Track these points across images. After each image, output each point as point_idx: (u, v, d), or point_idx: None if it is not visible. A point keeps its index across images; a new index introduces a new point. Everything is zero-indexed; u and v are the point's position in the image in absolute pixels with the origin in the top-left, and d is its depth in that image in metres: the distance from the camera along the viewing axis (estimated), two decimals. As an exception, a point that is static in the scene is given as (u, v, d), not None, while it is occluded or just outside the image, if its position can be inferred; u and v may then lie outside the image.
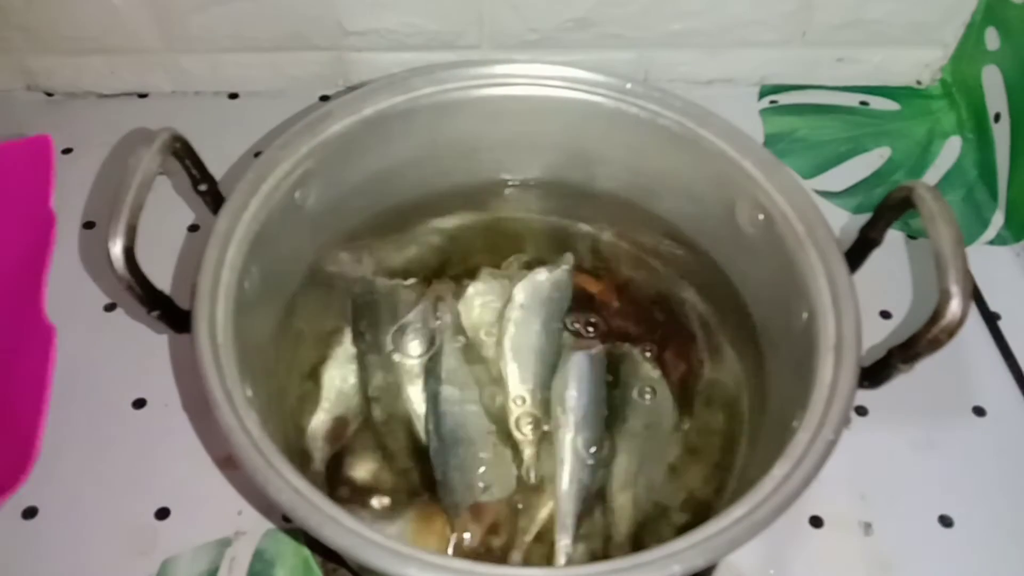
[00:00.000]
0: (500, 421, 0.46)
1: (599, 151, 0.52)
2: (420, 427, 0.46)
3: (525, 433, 0.46)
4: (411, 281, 0.52)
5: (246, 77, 0.68)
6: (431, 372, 0.47)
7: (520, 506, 0.44)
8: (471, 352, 0.49)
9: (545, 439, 0.46)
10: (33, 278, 0.52)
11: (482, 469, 0.44)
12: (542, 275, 0.51)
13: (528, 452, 0.45)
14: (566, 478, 0.44)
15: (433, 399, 0.46)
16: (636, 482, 0.45)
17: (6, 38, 0.65)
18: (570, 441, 0.45)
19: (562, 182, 0.55)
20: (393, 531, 0.43)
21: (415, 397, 0.47)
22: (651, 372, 0.49)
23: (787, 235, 0.43)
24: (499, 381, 0.48)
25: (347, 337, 0.49)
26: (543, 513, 0.44)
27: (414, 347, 0.48)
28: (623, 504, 0.44)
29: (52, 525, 0.47)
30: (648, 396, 0.48)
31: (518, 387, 0.47)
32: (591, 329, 0.50)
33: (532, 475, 0.45)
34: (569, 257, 0.52)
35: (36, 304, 0.51)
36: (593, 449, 0.45)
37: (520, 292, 0.50)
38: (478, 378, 0.48)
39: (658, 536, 0.44)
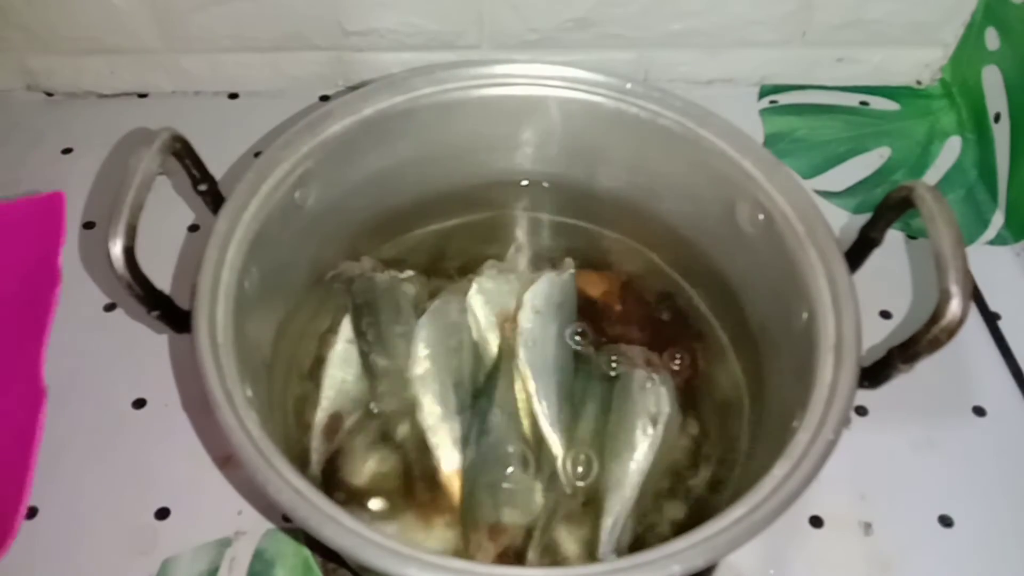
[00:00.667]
0: (534, 440, 0.46)
1: (599, 151, 0.52)
2: (431, 436, 0.46)
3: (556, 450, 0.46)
4: (409, 274, 0.52)
5: (246, 77, 0.68)
6: (484, 392, 0.47)
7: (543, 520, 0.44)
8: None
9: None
10: (35, 335, 0.51)
11: (511, 490, 0.44)
12: (552, 278, 0.50)
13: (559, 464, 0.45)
14: (616, 515, 0.44)
15: (482, 418, 0.46)
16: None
17: (6, 38, 0.65)
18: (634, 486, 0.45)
19: (562, 182, 0.55)
20: (392, 531, 0.43)
21: (425, 402, 0.47)
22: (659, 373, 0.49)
23: (787, 235, 0.43)
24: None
25: (345, 336, 0.49)
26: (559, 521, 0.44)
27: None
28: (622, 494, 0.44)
29: (52, 525, 0.47)
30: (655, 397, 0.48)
31: (540, 400, 0.47)
32: (578, 337, 0.50)
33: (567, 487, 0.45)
34: (570, 262, 0.52)
35: (34, 363, 0.50)
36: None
37: (534, 296, 0.50)
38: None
39: (658, 536, 0.44)
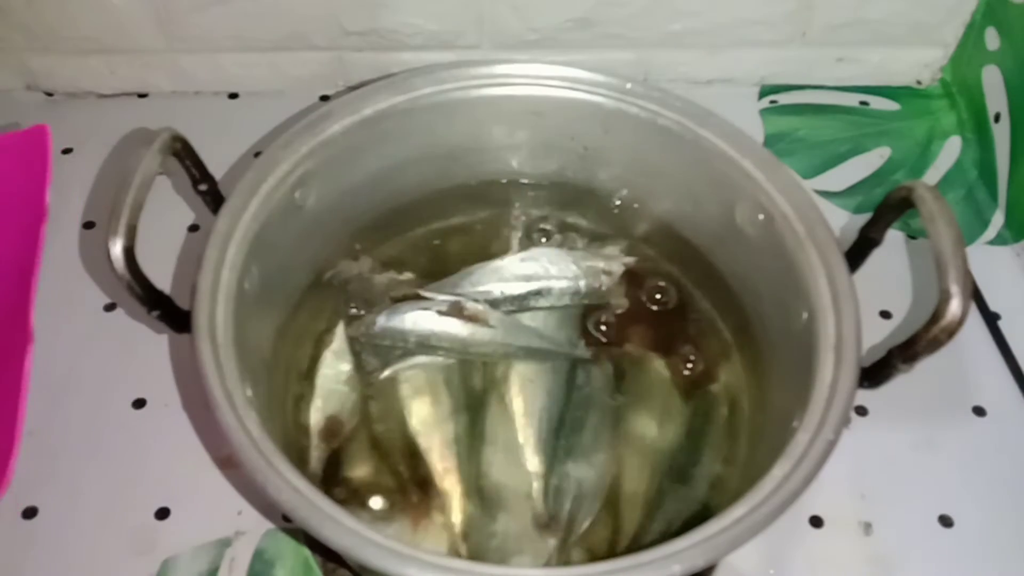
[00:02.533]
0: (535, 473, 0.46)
1: (599, 151, 0.52)
2: (422, 441, 0.46)
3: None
4: (408, 276, 0.52)
5: (246, 77, 0.68)
6: (474, 427, 0.46)
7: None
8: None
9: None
10: (23, 276, 0.50)
11: (518, 536, 0.43)
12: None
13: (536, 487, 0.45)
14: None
15: (477, 457, 0.45)
16: (641, 484, 0.45)
17: (6, 38, 0.65)
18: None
19: (562, 182, 0.55)
20: (391, 531, 0.43)
21: (418, 404, 0.47)
22: (662, 376, 0.49)
23: (787, 235, 0.43)
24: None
25: (342, 336, 0.49)
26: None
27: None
28: (627, 506, 0.44)
29: (52, 525, 0.47)
30: (657, 399, 0.48)
31: (526, 423, 0.47)
32: (603, 328, 0.50)
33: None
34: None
35: (24, 306, 0.50)
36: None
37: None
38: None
39: (658, 536, 0.44)
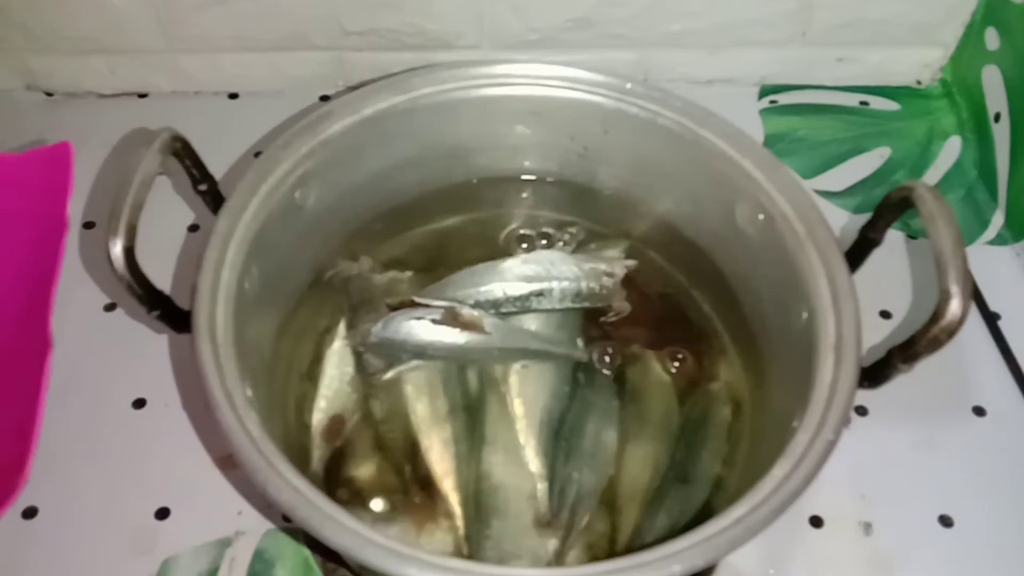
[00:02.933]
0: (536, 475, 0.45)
1: (599, 151, 0.52)
2: (423, 439, 0.46)
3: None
4: (408, 274, 0.52)
5: (246, 77, 0.68)
6: (475, 428, 0.46)
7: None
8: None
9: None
10: (43, 285, 0.51)
11: (516, 538, 0.43)
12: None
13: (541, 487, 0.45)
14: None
15: (477, 459, 0.45)
16: (642, 483, 0.45)
17: (6, 38, 0.65)
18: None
19: (562, 182, 0.55)
20: (392, 531, 0.43)
21: (418, 404, 0.47)
22: (661, 375, 0.49)
23: (787, 235, 0.44)
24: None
25: (342, 336, 0.49)
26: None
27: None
28: (628, 504, 0.44)
29: (52, 525, 0.47)
30: (656, 398, 0.48)
31: (527, 427, 0.47)
32: (607, 359, 0.50)
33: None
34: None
35: (43, 313, 0.50)
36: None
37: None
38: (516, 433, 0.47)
39: (659, 536, 0.44)
